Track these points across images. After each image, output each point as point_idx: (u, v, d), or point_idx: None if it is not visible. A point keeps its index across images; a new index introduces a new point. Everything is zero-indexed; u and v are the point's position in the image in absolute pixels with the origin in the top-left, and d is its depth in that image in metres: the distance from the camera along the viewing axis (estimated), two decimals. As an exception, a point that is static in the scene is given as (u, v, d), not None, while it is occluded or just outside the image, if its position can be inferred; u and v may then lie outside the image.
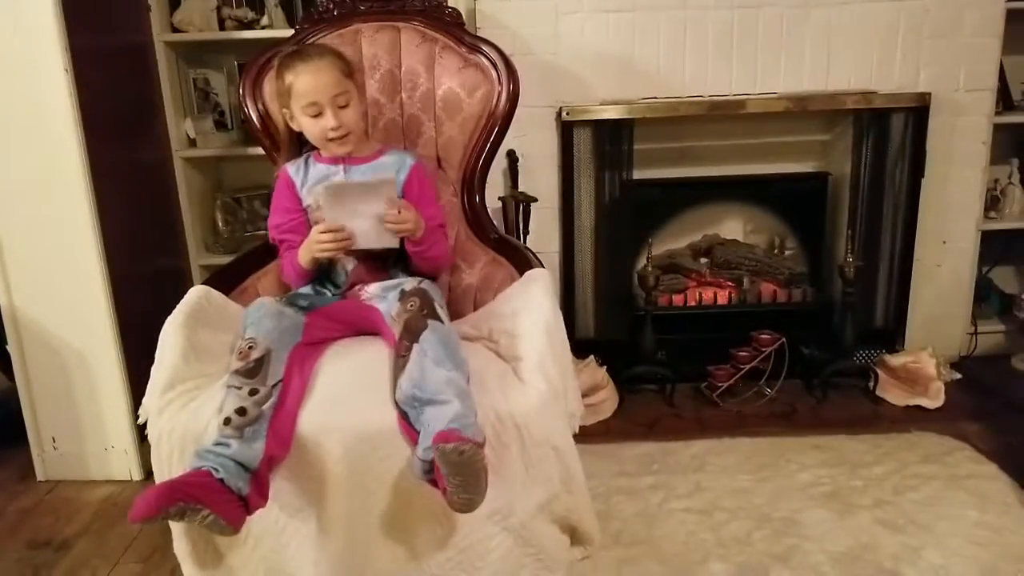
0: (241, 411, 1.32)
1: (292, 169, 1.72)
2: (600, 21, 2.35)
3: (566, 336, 1.59)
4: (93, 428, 2.10)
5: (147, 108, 2.33)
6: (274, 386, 1.38)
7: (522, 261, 1.80)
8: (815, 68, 2.40)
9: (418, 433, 1.31)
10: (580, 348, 2.47)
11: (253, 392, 1.36)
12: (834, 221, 2.61)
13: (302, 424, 1.38)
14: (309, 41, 1.90)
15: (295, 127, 1.70)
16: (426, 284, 1.52)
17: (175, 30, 2.39)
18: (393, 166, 1.72)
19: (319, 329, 1.54)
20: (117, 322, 2.04)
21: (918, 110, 2.41)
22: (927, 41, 2.39)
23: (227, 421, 1.31)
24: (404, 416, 1.35)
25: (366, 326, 1.61)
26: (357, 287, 1.63)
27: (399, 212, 1.57)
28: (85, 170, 1.93)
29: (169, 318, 1.53)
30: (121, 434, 2.10)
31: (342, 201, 1.56)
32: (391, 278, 1.69)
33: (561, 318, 1.59)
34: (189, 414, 1.42)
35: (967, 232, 2.58)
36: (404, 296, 1.49)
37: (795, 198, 2.62)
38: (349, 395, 1.44)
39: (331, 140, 1.65)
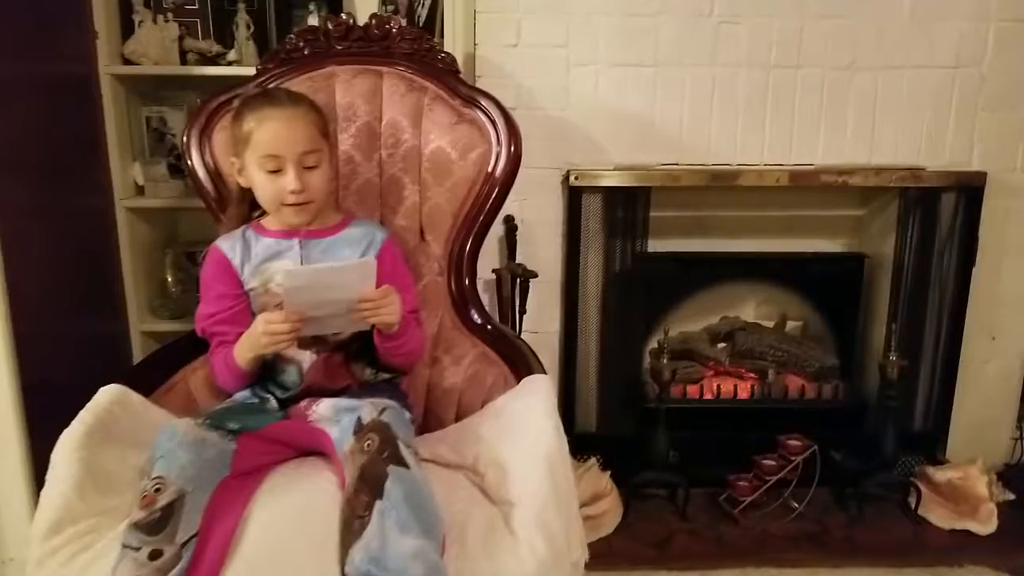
0: (136, 585, 0.98)
1: (226, 246, 1.40)
2: (616, 75, 2.05)
3: (572, 471, 1.26)
4: (-11, 534, 1.73)
5: (86, 149, 2.00)
6: (185, 544, 1.05)
7: (519, 360, 1.48)
8: (858, 138, 2.11)
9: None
10: (579, 445, 2.13)
11: (155, 555, 1.03)
12: (869, 309, 2.31)
13: (221, 596, 1.04)
14: (274, 85, 1.59)
15: (243, 182, 1.40)
16: (389, 414, 1.17)
17: (127, 62, 2.07)
18: (360, 240, 1.43)
19: (253, 455, 1.20)
20: (22, 403, 1.68)
21: (971, 190, 2.13)
22: (983, 114, 2.11)
23: (117, 602, 0.97)
24: (354, 598, 1.01)
25: (312, 447, 1.27)
26: (304, 403, 1.29)
27: (377, 299, 1.27)
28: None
29: (64, 433, 1.21)
30: (24, 544, 1.72)
31: (308, 292, 1.25)
32: (354, 378, 1.38)
33: (566, 446, 1.26)
34: (77, 571, 1.09)
35: (1019, 327, 2.28)
36: (361, 431, 1.15)
37: (827, 281, 2.32)
38: (286, 554, 1.09)
39: (287, 205, 1.35)
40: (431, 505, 1.09)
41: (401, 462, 1.09)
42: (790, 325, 2.44)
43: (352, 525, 1.05)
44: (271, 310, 1.32)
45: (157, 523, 1.05)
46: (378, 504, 1.04)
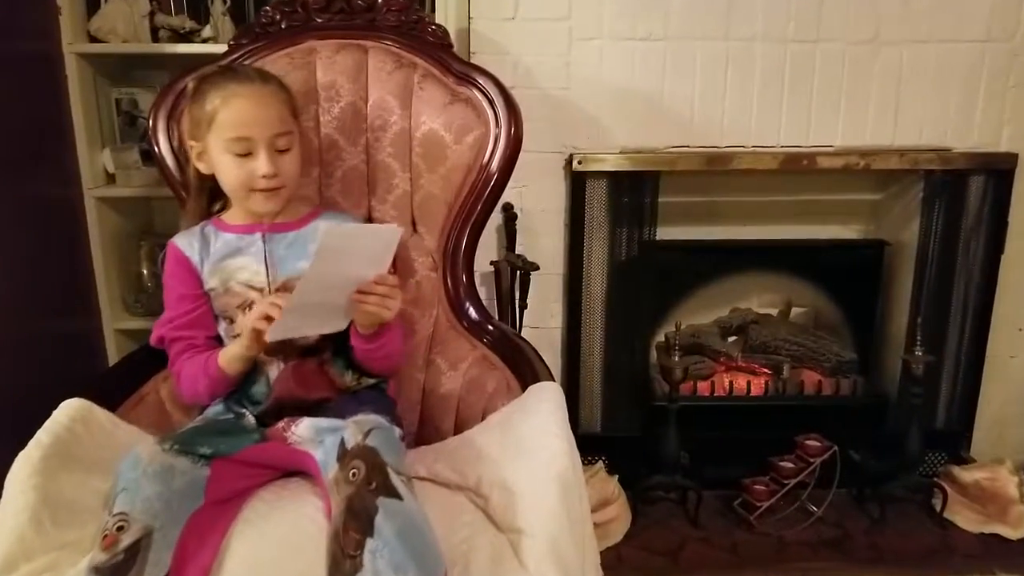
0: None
1: (184, 243, 1.27)
2: (623, 50, 1.90)
3: (586, 492, 1.13)
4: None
5: (50, 135, 1.85)
6: (155, 588, 0.91)
7: (523, 364, 1.35)
8: (880, 118, 1.97)
9: None
10: (584, 447, 1.98)
11: None
12: (889, 299, 2.18)
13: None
14: (249, 62, 1.44)
15: (203, 168, 1.25)
16: (375, 436, 1.02)
17: (93, 39, 1.91)
18: None
19: (228, 481, 1.07)
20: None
21: (1000, 173, 2.00)
22: (1014, 91, 1.97)
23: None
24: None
25: (296, 467, 1.14)
26: (283, 424, 1.15)
27: (391, 286, 1.15)
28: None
29: (19, 458, 1.08)
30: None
31: (341, 259, 1.09)
32: (333, 387, 1.25)
33: (580, 465, 1.13)
34: (33, 615, 0.96)
35: (1048, 318, 2.16)
36: (345, 457, 1.01)
37: (845, 269, 2.18)
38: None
39: (258, 191, 1.21)
40: (429, 540, 0.95)
41: (392, 493, 0.96)
42: (795, 312, 2.31)
43: (343, 565, 0.92)
44: (232, 312, 1.18)
45: (121, 566, 0.92)
46: (369, 543, 0.91)
